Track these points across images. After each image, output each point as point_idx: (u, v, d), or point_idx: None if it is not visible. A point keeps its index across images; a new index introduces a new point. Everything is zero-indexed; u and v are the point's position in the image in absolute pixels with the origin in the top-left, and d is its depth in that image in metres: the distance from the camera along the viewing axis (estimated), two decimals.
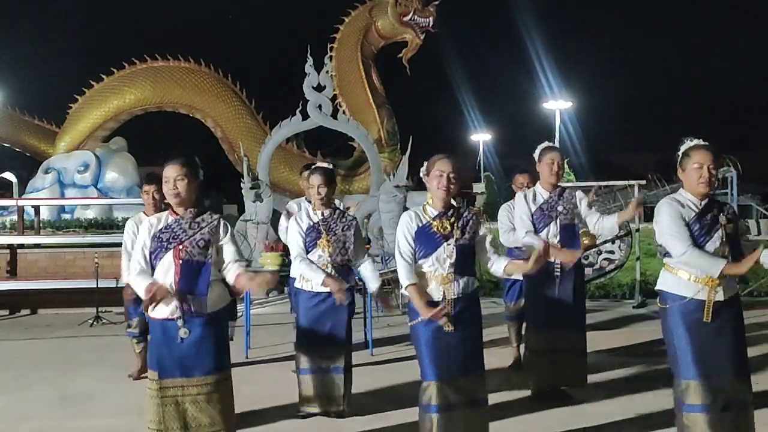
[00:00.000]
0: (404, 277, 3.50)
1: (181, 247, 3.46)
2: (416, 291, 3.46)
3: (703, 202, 3.48)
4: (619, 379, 5.47)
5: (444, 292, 3.47)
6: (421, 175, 3.63)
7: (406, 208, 10.92)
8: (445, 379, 3.44)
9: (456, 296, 3.49)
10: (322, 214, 4.54)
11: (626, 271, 9.93)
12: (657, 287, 3.62)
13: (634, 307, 8.90)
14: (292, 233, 4.57)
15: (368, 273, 4.53)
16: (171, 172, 3.49)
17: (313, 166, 4.79)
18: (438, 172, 3.50)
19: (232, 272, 3.52)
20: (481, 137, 41.04)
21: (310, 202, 4.71)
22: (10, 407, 4.88)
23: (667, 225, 3.45)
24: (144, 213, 5.34)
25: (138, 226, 5.22)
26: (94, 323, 8.03)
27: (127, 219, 5.43)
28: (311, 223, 4.51)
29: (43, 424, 4.55)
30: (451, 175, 3.49)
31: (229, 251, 3.56)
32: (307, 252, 4.47)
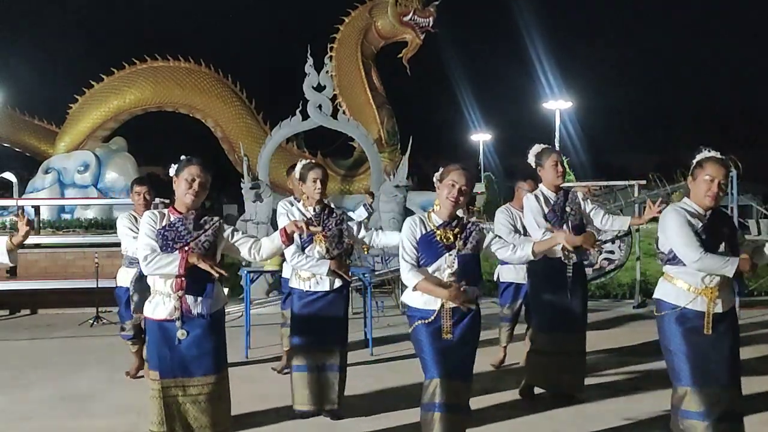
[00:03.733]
0: (411, 278, 3.47)
1: (187, 248, 3.44)
2: (427, 283, 3.44)
3: (708, 213, 3.44)
4: (618, 379, 5.47)
5: (443, 301, 3.45)
6: (434, 180, 3.61)
7: (406, 208, 10.94)
8: (446, 377, 3.43)
9: (455, 305, 3.46)
10: (314, 210, 4.54)
11: (626, 271, 9.93)
12: (655, 296, 3.61)
13: (634, 307, 8.90)
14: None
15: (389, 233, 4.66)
16: (200, 173, 3.48)
17: (304, 162, 4.76)
18: (451, 182, 3.49)
19: (269, 238, 3.60)
20: (481, 137, 40.96)
21: (298, 200, 4.69)
22: (10, 407, 4.88)
23: (677, 233, 3.38)
24: (133, 213, 5.39)
25: (136, 219, 5.28)
26: (94, 323, 8.03)
27: None
28: (305, 219, 4.49)
29: (43, 424, 4.54)
30: (463, 188, 3.49)
31: (242, 237, 3.63)
32: (304, 248, 4.46)
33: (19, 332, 7.75)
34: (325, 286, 4.48)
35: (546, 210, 4.81)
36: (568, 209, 4.82)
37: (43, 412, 4.77)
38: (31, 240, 9.90)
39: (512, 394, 5.00)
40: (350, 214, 4.98)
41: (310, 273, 4.47)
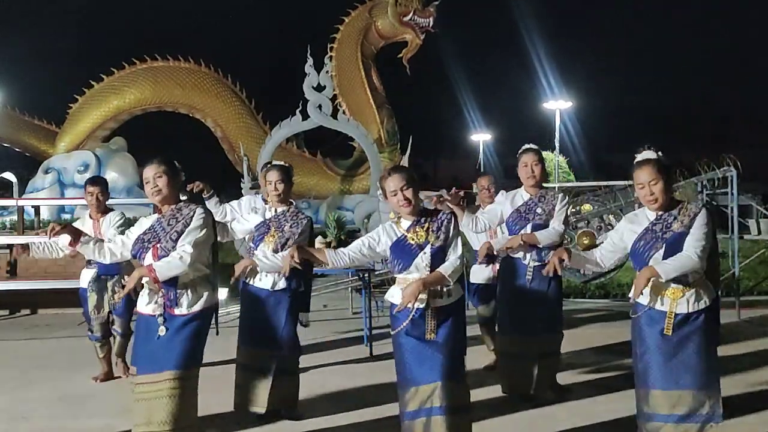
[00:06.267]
0: (348, 247, 3.56)
1: (159, 245, 3.47)
2: (322, 253, 3.54)
3: (663, 214, 3.47)
4: (616, 378, 5.47)
5: (428, 301, 3.41)
6: (380, 198, 3.62)
7: None
8: (429, 383, 3.38)
9: (440, 305, 3.44)
10: (275, 211, 4.51)
11: (626, 271, 9.92)
12: (630, 294, 3.64)
13: None
14: (244, 226, 4.56)
15: None
16: (149, 172, 3.52)
17: (269, 164, 4.75)
18: (392, 192, 3.47)
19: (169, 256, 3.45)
20: (481, 137, 40.96)
21: (266, 201, 4.69)
22: (10, 407, 4.88)
23: None
24: (89, 215, 5.38)
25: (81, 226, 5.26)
26: None
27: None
28: (263, 220, 4.49)
29: (43, 424, 4.55)
30: (404, 188, 3.44)
31: (185, 238, 3.46)
32: (255, 248, 4.45)
33: (19, 332, 7.76)
34: (267, 284, 4.41)
35: (510, 210, 4.79)
36: (538, 210, 4.72)
37: (43, 412, 4.77)
38: (32, 240, 9.91)
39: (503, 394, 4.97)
40: None
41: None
